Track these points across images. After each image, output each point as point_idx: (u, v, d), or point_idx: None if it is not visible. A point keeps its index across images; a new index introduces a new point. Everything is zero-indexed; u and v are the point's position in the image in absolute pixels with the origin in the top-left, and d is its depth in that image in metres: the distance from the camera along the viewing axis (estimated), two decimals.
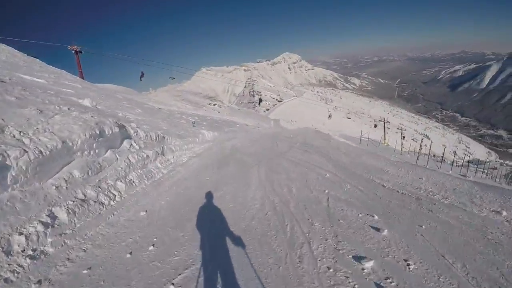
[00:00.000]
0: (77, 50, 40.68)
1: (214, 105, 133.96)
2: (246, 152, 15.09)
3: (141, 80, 33.05)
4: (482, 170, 30.68)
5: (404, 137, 51.42)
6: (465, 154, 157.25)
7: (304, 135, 25.55)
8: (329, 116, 45.19)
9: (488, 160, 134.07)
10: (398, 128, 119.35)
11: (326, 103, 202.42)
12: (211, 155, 14.38)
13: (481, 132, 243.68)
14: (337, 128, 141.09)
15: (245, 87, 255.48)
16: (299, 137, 23.61)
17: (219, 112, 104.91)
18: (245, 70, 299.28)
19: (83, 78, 36.41)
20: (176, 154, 13.17)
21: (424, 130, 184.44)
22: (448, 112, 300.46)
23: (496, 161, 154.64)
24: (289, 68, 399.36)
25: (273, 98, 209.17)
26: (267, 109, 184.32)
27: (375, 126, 62.79)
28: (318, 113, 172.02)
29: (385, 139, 37.73)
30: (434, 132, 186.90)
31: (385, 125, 52.47)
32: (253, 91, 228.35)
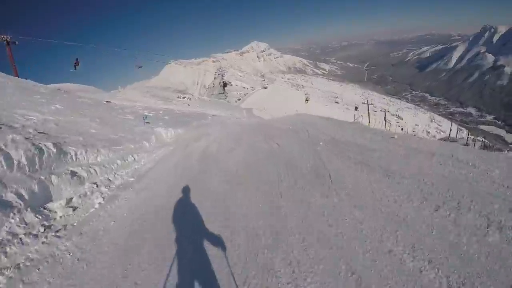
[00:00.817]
0: (8, 40, 33.68)
1: (184, 97, 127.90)
2: (230, 167, 8.34)
3: (75, 69, 25.88)
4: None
5: (385, 118, 47.97)
6: (437, 132, 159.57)
7: (313, 126, 15.37)
8: (306, 100, 38.82)
9: (461, 137, 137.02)
10: (381, 110, 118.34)
11: (298, 90, 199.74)
12: (162, 182, 7.69)
13: (451, 110, 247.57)
14: (315, 112, 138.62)
15: (214, 78, 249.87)
16: (308, 128, 14.13)
17: (189, 105, 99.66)
18: (213, 61, 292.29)
19: (17, 75, 30.25)
20: (83, 189, 6.63)
21: (396, 111, 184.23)
22: (417, 92, 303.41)
23: (468, 137, 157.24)
24: (258, 57, 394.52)
25: (244, 88, 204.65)
26: (238, 99, 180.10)
27: (356, 108, 56.96)
28: (291, 100, 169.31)
29: (369, 123, 33.63)
30: (406, 112, 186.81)
31: (369, 107, 47.70)
32: (223, 82, 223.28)
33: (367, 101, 48.90)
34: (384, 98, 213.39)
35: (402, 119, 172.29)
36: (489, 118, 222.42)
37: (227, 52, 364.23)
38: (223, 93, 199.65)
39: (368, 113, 43.80)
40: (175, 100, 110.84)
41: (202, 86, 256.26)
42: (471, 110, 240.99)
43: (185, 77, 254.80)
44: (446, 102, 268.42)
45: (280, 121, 21.67)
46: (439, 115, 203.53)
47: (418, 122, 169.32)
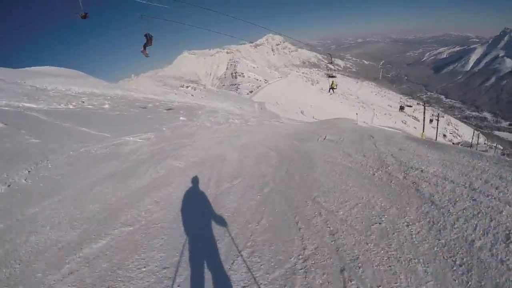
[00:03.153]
0: None
1: (187, 87, 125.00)
2: None
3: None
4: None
5: (432, 120, 41.13)
6: (453, 136, 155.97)
7: None
8: (332, 88, 20.20)
9: (477, 142, 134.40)
10: (432, 116, 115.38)
11: (313, 85, 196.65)
12: None
13: (466, 113, 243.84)
14: (331, 111, 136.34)
15: (227, 68, 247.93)
16: None
17: (192, 95, 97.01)
18: (227, 52, 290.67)
19: None
20: None
21: (413, 112, 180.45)
22: (432, 93, 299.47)
23: (484, 143, 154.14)
24: (272, 50, 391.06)
25: (257, 80, 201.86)
26: (250, 91, 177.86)
27: (402, 108, 46.01)
28: (305, 95, 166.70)
29: (423, 131, 28.80)
30: (422, 114, 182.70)
31: (425, 111, 37.86)
32: (235, 73, 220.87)
33: (423, 103, 39.88)
34: (401, 98, 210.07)
35: (419, 121, 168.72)
36: (505, 124, 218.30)
37: (241, 44, 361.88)
38: (235, 85, 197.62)
39: (424, 118, 35.87)
40: (176, 89, 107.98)
41: (215, 77, 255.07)
42: (487, 114, 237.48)
43: (198, 68, 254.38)
44: (461, 105, 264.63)
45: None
46: (455, 118, 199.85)
47: (434, 124, 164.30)
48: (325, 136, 12.71)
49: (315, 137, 13.69)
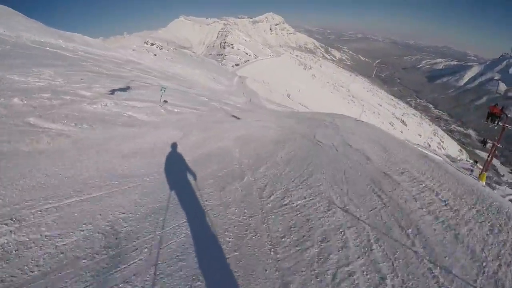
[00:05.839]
0: None
1: (152, 44, 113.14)
2: None
3: None
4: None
5: (485, 144, 22.13)
6: (438, 148, 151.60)
7: None
8: None
9: (459, 158, 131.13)
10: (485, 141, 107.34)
11: (305, 69, 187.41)
12: None
13: (451, 127, 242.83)
14: (320, 100, 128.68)
15: (217, 37, 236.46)
16: None
17: (155, 54, 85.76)
18: (224, 24, 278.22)
19: None
20: None
21: (402, 115, 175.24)
22: (422, 101, 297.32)
23: (467, 160, 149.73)
24: (270, 29, 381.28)
25: (247, 54, 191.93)
26: (237, 64, 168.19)
27: (484, 143, 24.37)
28: (295, 78, 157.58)
29: (484, 172, 17.05)
30: (411, 119, 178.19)
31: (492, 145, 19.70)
32: (224, 43, 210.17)
33: (484, 140, 22.35)
34: (392, 99, 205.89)
35: (406, 125, 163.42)
36: (488, 145, 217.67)
37: (240, 18, 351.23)
38: (221, 55, 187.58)
39: (490, 155, 19.43)
40: (135, 45, 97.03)
41: (207, 46, 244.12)
42: (471, 132, 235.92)
43: (193, 35, 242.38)
44: (448, 118, 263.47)
45: None
46: (441, 129, 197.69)
47: (421, 132, 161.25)
48: None
49: None
